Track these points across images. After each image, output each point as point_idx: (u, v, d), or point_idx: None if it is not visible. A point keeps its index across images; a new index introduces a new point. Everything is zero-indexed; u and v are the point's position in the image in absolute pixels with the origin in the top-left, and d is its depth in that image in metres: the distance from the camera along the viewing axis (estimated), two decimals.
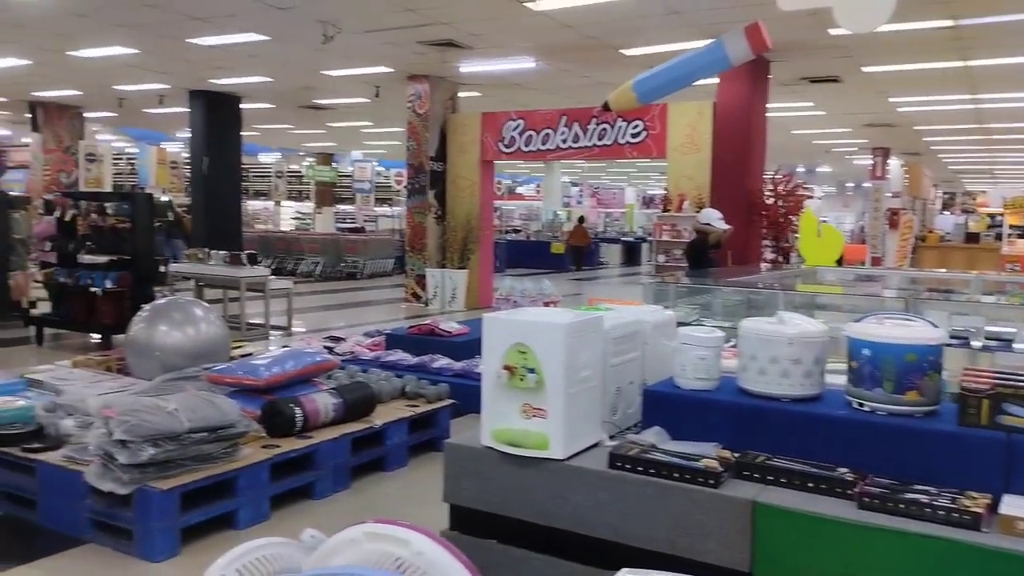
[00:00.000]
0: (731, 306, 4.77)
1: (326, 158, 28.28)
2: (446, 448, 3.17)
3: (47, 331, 9.08)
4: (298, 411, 4.44)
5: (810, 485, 2.53)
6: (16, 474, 4.08)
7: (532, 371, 2.79)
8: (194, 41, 10.23)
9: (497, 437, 2.92)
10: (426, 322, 7.46)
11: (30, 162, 17.61)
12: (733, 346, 3.28)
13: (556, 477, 2.82)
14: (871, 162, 21.61)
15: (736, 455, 2.69)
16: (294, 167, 28.87)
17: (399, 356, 6.62)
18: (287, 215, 27.47)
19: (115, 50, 10.90)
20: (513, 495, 2.92)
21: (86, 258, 8.37)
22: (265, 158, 28.13)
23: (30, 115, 16.60)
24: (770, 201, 10.72)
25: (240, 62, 11.59)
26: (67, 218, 8.50)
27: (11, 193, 11.85)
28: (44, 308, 9.28)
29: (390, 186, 27.28)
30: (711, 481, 2.55)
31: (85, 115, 17.21)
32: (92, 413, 4.06)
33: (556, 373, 2.77)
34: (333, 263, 18.07)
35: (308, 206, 26.96)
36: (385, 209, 27.01)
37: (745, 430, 2.86)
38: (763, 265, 10.28)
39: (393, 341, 7.13)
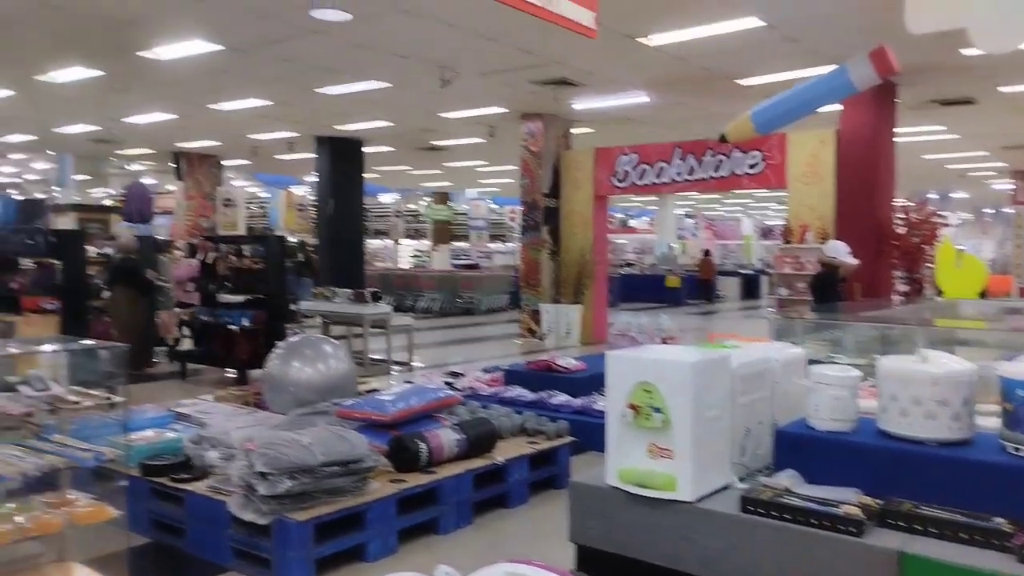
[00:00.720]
0: (864, 342, 4.56)
1: (442, 197, 29.07)
2: (571, 487, 3.16)
3: (189, 366, 9.67)
4: (423, 446, 4.53)
5: (963, 536, 2.37)
6: (165, 503, 4.35)
7: (658, 410, 2.76)
8: (322, 91, 10.82)
9: (623, 477, 2.89)
10: (543, 358, 7.50)
11: (174, 208, 18.99)
12: (872, 385, 3.13)
13: (684, 519, 2.76)
14: (1012, 186, 20.25)
15: (879, 502, 2.56)
16: (412, 206, 29.83)
17: (517, 392, 6.67)
18: (406, 253, 28.32)
19: (251, 102, 11.66)
20: (640, 536, 2.87)
21: (225, 297, 8.93)
22: (385, 199, 29.22)
23: (174, 164, 17.91)
24: (901, 230, 10.21)
25: (363, 108, 12.15)
26: (209, 260, 9.09)
27: (159, 238, 12.80)
28: (187, 344, 9.91)
29: (504, 223, 27.72)
30: (852, 529, 2.43)
31: (223, 163, 18.41)
32: (234, 446, 4.29)
33: (683, 413, 2.73)
34: (450, 299, 18.46)
35: (425, 244, 27.72)
36: (499, 245, 27.42)
37: (887, 475, 2.72)
38: (896, 298, 9.77)
39: (511, 377, 7.20)
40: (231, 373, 9.26)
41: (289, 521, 3.74)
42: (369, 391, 6.11)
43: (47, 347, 3.61)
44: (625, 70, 9.75)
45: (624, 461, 2.89)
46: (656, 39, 8.29)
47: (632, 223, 36.97)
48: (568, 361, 7.13)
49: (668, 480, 2.77)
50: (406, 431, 4.71)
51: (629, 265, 28.05)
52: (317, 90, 10.79)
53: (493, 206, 28.22)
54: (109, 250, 10.05)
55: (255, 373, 8.81)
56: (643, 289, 22.22)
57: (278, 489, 3.75)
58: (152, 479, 4.35)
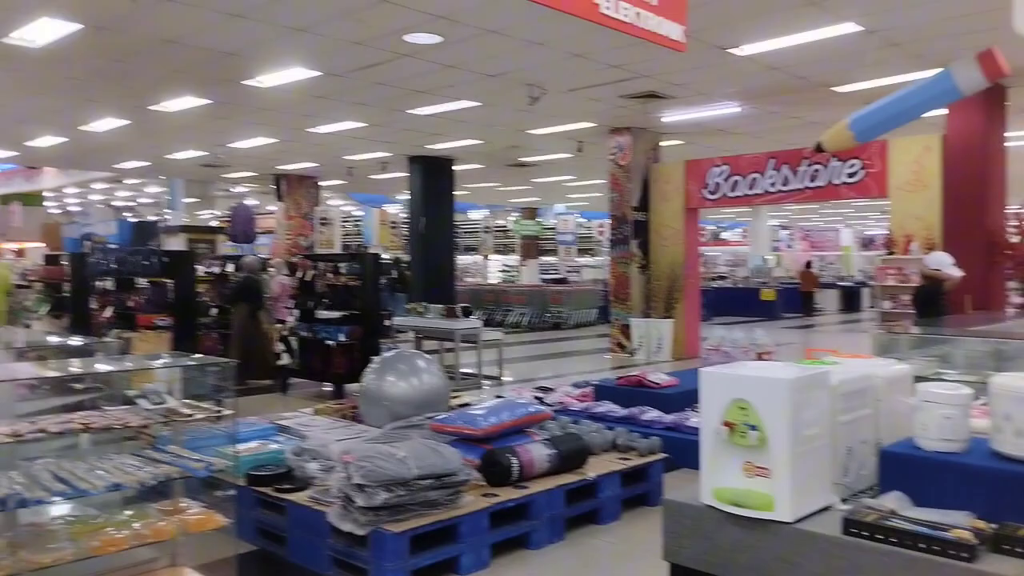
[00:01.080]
0: (976, 358, 4.33)
1: (531, 212, 29.27)
2: (664, 504, 3.12)
3: (291, 380, 10.02)
4: (515, 461, 4.57)
5: None
6: (269, 512, 4.52)
7: (754, 428, 2.70)
8: (413, 112, 11.10)
9: (718, 496, 2.84)
10: (634, 373, 7.43)
11: (275, 228, 19.78)
12: (984, 404, 2.98)
13: (783, 541, 2.69)
14: None
15: (993, 526, 2.43)
16: (500, 222, 30.12)
17: (608, 407, 6.63)
18: (494, 268, 28.61)
19: (346, 125, 12.07)
20: (736, 557, 2.81)
21: (322, 313, 9.23)
22: (474, 215, 29.64)
23: (275, 186, 18.68)
24: (1015, 239, 9.65)
25: (453, 127, 12.39)
26: (307, 278, 9.43)
27: (261, 256, 13.35)
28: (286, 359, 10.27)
29: (592, 236, 27.64)
30: (964, 554, 2.32)
31: (320, 183, 19.08)
32: (333, 458, 4.43)
33: (780, 431, 2.66)
34: (539, 314, 18.51)
35: (514, 259, 27.93)
36: (588, 260, 27.36)
37: (1001, 499, 2.58)
38: (1009, 311, 9.23)
39: (602, 392, 7.16)
40: (328, 387, 9.55)
41: (386, 532, 3.83)
42: (461, 405, 6.20)
43: (162, 362, 3.83)
44: (715, 81, 9.62)
45: (719, 479, 2.83)
46: (747, 49, 8.15)
47: (724, 235, 36.22)
48: (659, 376, 7.04)
49: (765, 500, 2.70)
50: (498, 445, 4.75)
51: (722, 278, 27.49)
52: (409, 111, 11.08)
53: (581, 220, 28.19)
54: (229, 268, 10.51)
55: (351, 387, 9.06)
56: (736, 302, 21.71)
57: (375, 501, 3.85)
58: (257, 489, 4.52)
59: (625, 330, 12.92)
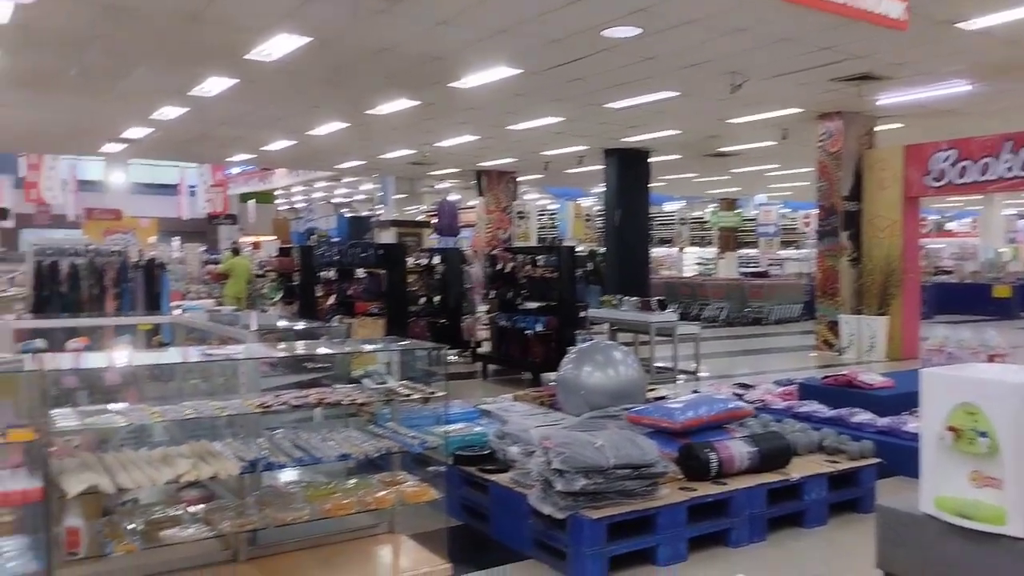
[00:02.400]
0: None
1: (729, 203, 28.32)
2: (878, 511, 2.97)
3: (491, 367, 10.44)
4: (713, 456, 4.50)
5: None
6: (473, 490, 4.78)
7: (983, 435, 2.51)
8: (611, 105, 11.14)
9: (940, 505, 2.66)
10: (842, 372, 7.02)
11: (475, 222, 20.63)
12: None
13: (1015, 557, 2.47)
14: None
15: None
16: (697, 213, 29.42)
17: (813, 407, 6.33)
18: (690, 261, 28.03)
19: (545, 120, 12.35)
20: (960, 571, 2.62)
21: (521, 304, 9.54)
22: (670, 206, 29.16)
23: (475, 182, 19.47)
24: None
25: (650, 119, 12.28)
26: (507, 270, 9.78)
27: (464, 250, 14.00)
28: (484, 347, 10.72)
29: (796, 228, 26.28)
30: None
31: (518, 178, 19.64)
32: (533, 443, 4.60)
33: (1015, 439, 2.45)
34: (737, 308, 17.91)
35: (711, 251, 27.19)
36: (791, 252, 26.05)
37: None
38: None
39: (807, 391, 6.85)
40: (525, 375, 9.85)
41: (584, 518, 3.92)
42: (657, 398, 6.18)
43: (383, 346, 4.17)
44: (941, 59, 8.82)
45: (942, 488, 2.66)
46: (979, 22, 7.40)
47: (950, 226, 33.06)
48: (872, 377, 6.61)
49: (996, 512, 2.50)
50: (696, 440, 4.71)
51: (946, 272, 25.11)
52: (606, 105, 11.13)
53: (784, 211, 26.89)
54: (436, 260, 11.11)
55: (547, 375, 9.30)
56: (963, 300, 19.75)
57: (573, 486, 3.96)
58: (463, 468, 4.79)
59: (833, 327, 12.21)
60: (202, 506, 3.31)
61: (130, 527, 3.02)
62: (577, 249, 12.06)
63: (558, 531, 4.05)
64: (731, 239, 26.71)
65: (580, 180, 21.10)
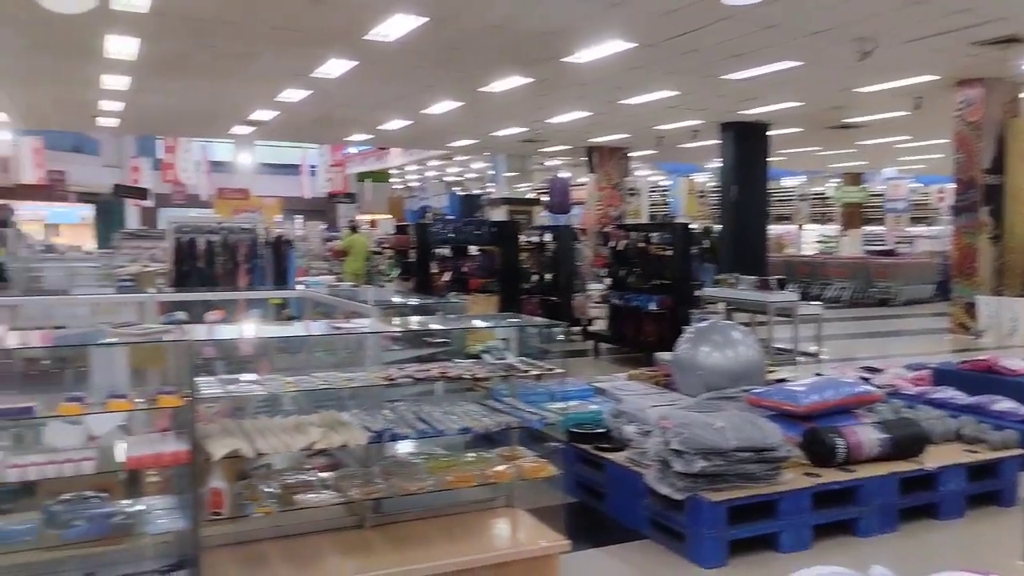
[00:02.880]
0: None
1: (854, 177, 26.95)
2: None
3: (602, 345, 10.39)
4: (840, 442, 4.33)
5: None
6: (588, 468, 4.78)
7: None
8: (728, 77, 10.78)
9: None
10: (981, 357, 6.58)
11: (585, 199, 20.50)
12: None
13: None
14: None
15: None
16: (818, 189, 28.17)
17: (949, 394, 5.96)
18: (809, 239, 26.90)
19: (659, 95, 12.09)
20: None
21: (634, 282, 9.42)
22: (788, 182, 28.03)
23: (586, 159, 19.31)
24: None
25: (770, 91, 11.81)
26: (620, 248, 9.67)
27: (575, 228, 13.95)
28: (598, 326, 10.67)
29: (929, 204, 24.77)
30: None
31: (630, 155, 19.36)
32: (651, 422, 4.55)
33: None
34: (862, 288, 17.09)
35: (832, 228, 26.00)
36: (922, 229, 24.58)
37: None
38: None
39: (942, 376, 6.46)
40: (638, 353, 9.74)
41: (703, 500, 3.86)
42: (778, 380, 5.99)
43: (502, 322, 4.21)
44: None
45: None
46: None
47: None
48: (1016, 363, 6.16)
49: None
50: (821, 424, 4.54)
51: None
52: (723, 76, 10.78)
53: (916, 185, 25.37)
54: (547, 238, 11.13)
55: (661, 355, 9.17)
56: None
57: (693, 468, 3.90)
58: (578, 445, 4.80)
59: (969, 309, 11.46)
60: (332, 473, 3.45)
61: (267, 490, 3.19)
62: (692, 226, 11.79)
63: (676, 512, 4.00)
64: (856, 215, 25.45)
65: (694, 155, 20.58)
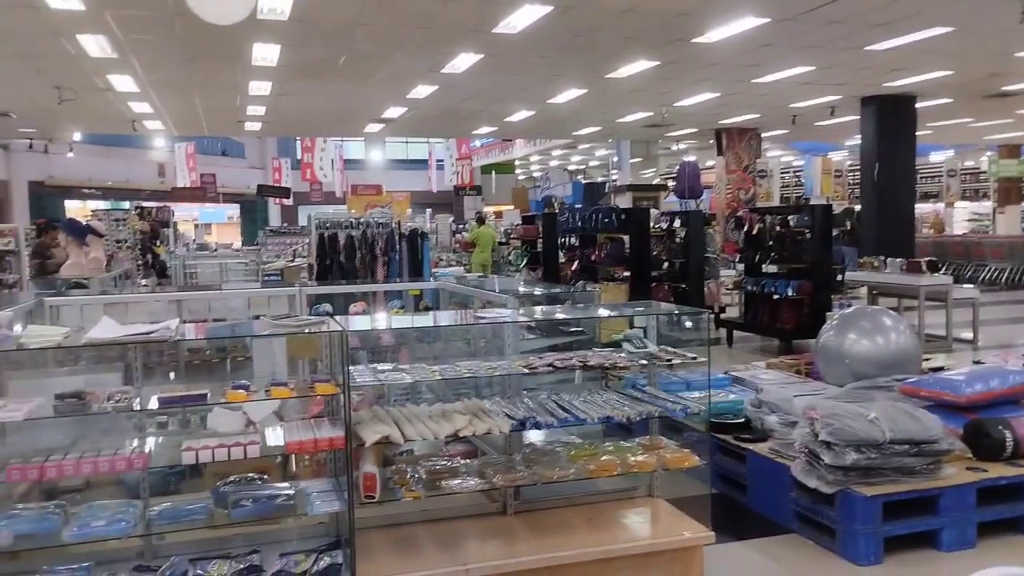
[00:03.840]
0: None
1: (1011, 150, 24.83)
2: None
3: (736, 333, 10.10)
4: (1008, 434, 4.04)
5: None
6: (729, 459, 4.67)
7: None
8: (872, 48, 10.16)
9: None
10: None
11: (714, 183, 19.92)
12: None
13: None
14: None
15: None
16: (969, 163, 26.19)
17: None
18: (959, 217, 25.06)
19: (794, 71, 11.55)
20: None
21: (770, 268, 9.10)
22: (936, 157, 26.19)
23: (714, 141, 18.74)
24: None
25: (918, 60, 11.05)
26: (754, 232, 9.35)
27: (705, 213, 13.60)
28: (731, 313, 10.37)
29: None
30: None
31: (761, 135, 18.64)
32: (795, 413, 4.39)
33: None
34: (1021, 269, 15.79)
35: (986, 205, 24.11)
36: None
37: None
38: None
39: None
40: (774, 341, 9.41)
41: (855, 494, 3.69)
42: (933, 369, 5.64)
43: (641, 310, 4.17)
44: None
45: None
46: None
47: None
48: None
49: None
50: (985, 415, 4.24)
51: None
52: (867, 47, 10.17)
53: None
54: (676, 224, 10.92)
55: (798, 342, 8.83)
56: None
57: (844, 461, 3.73)
58: (717, 436, 4.70)
59: None
60: (475, 460, 3.53)
61: (414, 476, 3.30)
62: (833, 208, 11.23)
63: (825, 506, 3.85)
64: (1013, 191, 23.46)
65: (831, 133, 19.58)
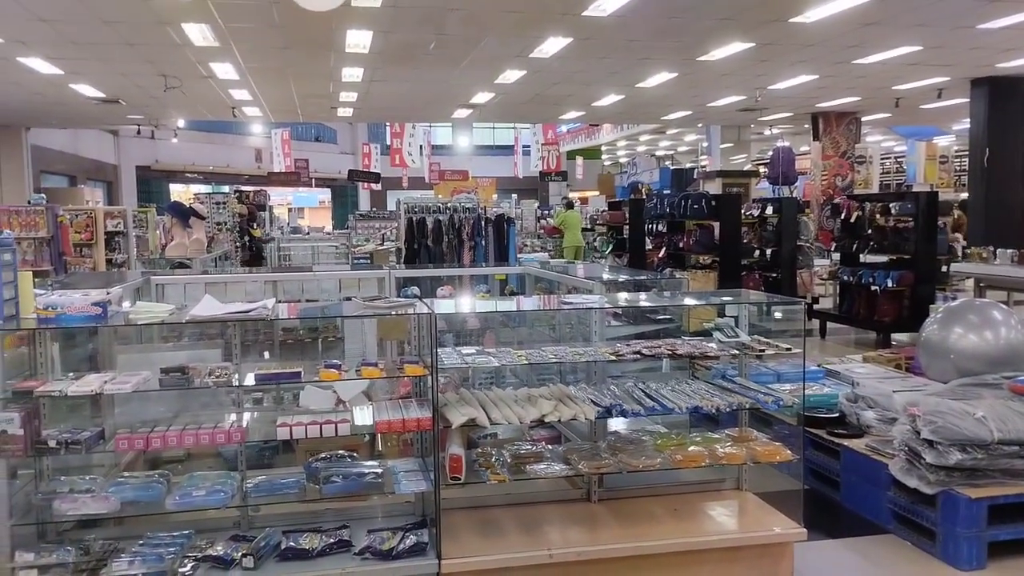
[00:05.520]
0: None
1: None
2: None
3: (829, 325, 9.76)
4: None
5: None
6: (821, 454, 4.52)
7: None
8: (985, 26, 9.57)
9: None
10: None
11: (809, 169, 19.24)
12: None
13: None
14: None
15: None
16: None
17: None
18: None
19: (899, 51, 11.00)
20: None
21: (868, 257, 8.73)
22: None
23: (810, 125, 18.08)
24: None
25: None
26: (852, 219, 8.99)
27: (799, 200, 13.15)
28: (826, 304, 10.02)
29: None
30: None
31: (861, 119, 17.88)
32: (895, 409, 4.20)
33: None
34: None
35: None
36: None
37: None
38: None
39: None
40: (870, 334, 9.05)
41: (959, 496, 3.51)
42: None
43: (735, 299, 4.06)
44: None
45: None
46: None
47: None
48: None
49: None
50: None
51: None
52: (979, 26, 9.59)
53: None
54: (768, 211, 10.60)
55: (898, 336, 8.47)
56: None
57: (947, 460, 3.56)
58: (810, 430, 4.54)
59: None
60: (559, 446, 3.52)
61: (499, 459, 3.32)
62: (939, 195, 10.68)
63: (925, 507, 3.68)
64: None
65: (937, 116, 18.61)
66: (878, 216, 8.61)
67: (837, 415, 4.69)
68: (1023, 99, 13.64)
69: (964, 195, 15.15)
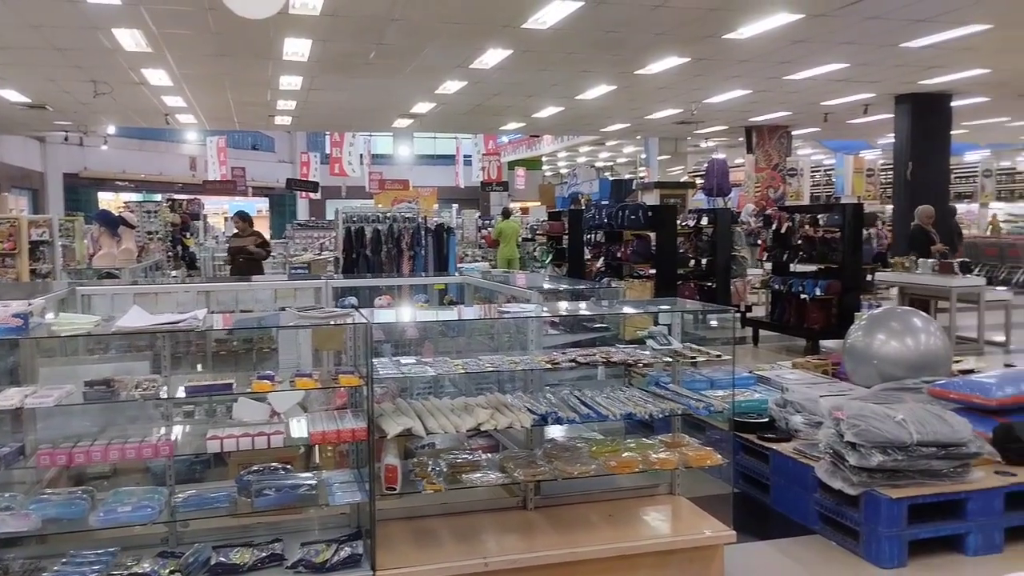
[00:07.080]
0: None
1: None
2: None
3: (762, 332, 10.01)
4: None
5: None
6: (751, 458, 4.63)
7: None
8: (908, 44, 10.00)
9: None
10: None
11: (743, 181, 19.75)
12: None
13: None
14: None
15: None
16: (1005, 164, 25.71)
17: None
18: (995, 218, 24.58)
19: (827, 68, 11.40)
20: None
21: (798, 267, 8.99)
22: (971, 157, 25.73)
23: (744, 139, 18.57)
24: None
25: (955, 58, 10.85)
26: (783, 230, 9.26)
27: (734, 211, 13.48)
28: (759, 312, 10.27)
29: None
30: None
31: (792, 133, 18.44)
32: (821, 413, 4.34)
33: None
34: None
35: (1021, 206, 23.66)
36: None
37: None
38: None
39: None
40: (800, 341, 9.31)
41: (881, 496, 3.65)
42: (963, 372, 5.55)
43: (668, 307, 4.15)
44: None
45: None
46: None
47: None
48: None
49: None
50: (1015, 419, 4.17)
51: None
52: (902, 44, 10.01)
53: None
54: (703, 222, 10.82)
55: (825, 343, 8.73)
56: None
57: (869, 462, 3.69)
58: (740, 434, 4.66)
59: None
60: (496, 455, 3.54)
61: (435, 468, 3.32)
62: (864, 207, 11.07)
63: (849, 508, 3.81)
64: None
65: (864, 131, 19.33)
66: (807, 227, 8.89)
67: (767, 420, 4.81)
68: (944, 115, 14.28)
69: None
